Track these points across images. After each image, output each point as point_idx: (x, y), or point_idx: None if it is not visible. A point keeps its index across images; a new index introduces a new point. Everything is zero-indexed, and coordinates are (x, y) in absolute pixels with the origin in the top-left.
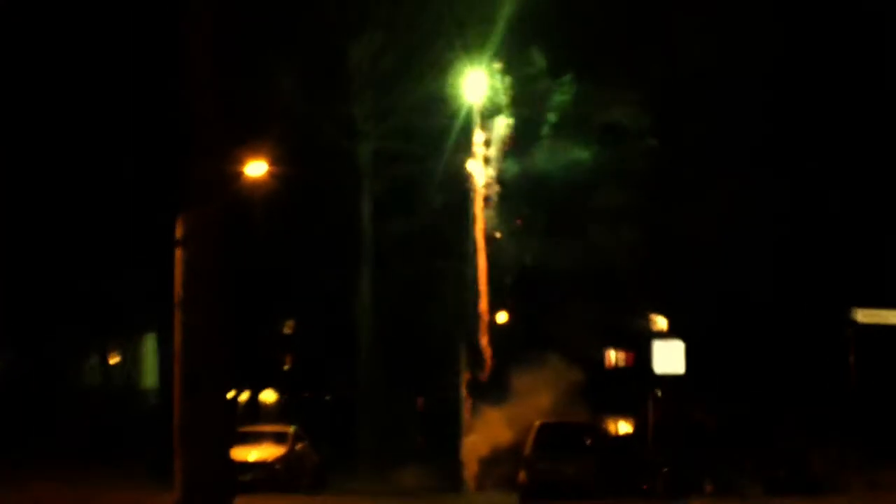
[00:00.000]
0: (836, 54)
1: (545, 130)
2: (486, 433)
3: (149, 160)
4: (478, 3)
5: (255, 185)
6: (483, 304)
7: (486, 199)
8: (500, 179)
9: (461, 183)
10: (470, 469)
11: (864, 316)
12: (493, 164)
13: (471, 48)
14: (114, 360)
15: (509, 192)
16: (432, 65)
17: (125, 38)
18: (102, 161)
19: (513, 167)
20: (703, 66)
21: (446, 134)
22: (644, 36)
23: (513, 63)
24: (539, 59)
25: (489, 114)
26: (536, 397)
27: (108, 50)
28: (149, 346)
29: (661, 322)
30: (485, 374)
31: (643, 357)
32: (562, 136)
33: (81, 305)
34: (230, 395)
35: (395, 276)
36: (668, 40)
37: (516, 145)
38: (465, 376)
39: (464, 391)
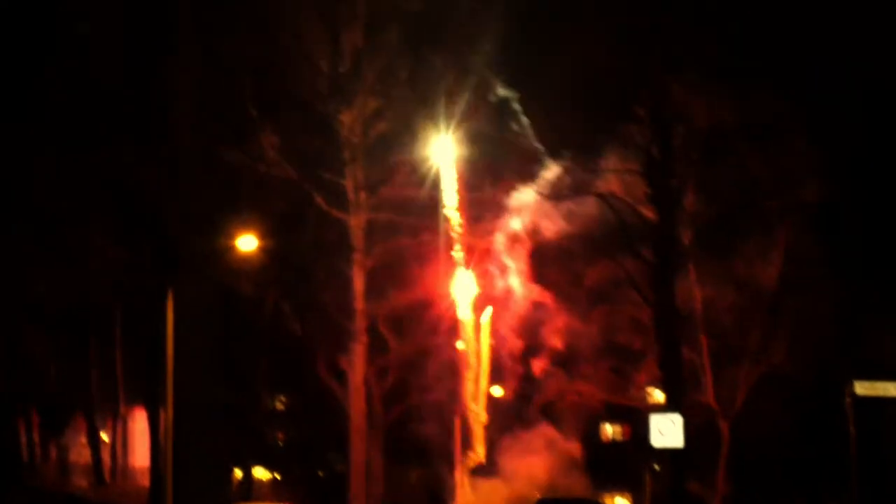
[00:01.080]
0: None
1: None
2: None
3: (136, 234)
4: (467, 72)
5: (246, 258)
6: (479, 379)
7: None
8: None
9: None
10: None
11: (862, 388)
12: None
13: (462, 118)
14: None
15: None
16: (424, 134)
17: (113, 107)
18: (90, 234)
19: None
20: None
21: (439, 204)
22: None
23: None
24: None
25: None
26: (532, 471)
27: (95, 120)
28: (138, 424)
29: (658, 395)
30: (481, 453)
31: (640, 430)
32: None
33: (70, 381)
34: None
35: (388, 350)
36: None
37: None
38: (470, 455)
39: (458, 466)
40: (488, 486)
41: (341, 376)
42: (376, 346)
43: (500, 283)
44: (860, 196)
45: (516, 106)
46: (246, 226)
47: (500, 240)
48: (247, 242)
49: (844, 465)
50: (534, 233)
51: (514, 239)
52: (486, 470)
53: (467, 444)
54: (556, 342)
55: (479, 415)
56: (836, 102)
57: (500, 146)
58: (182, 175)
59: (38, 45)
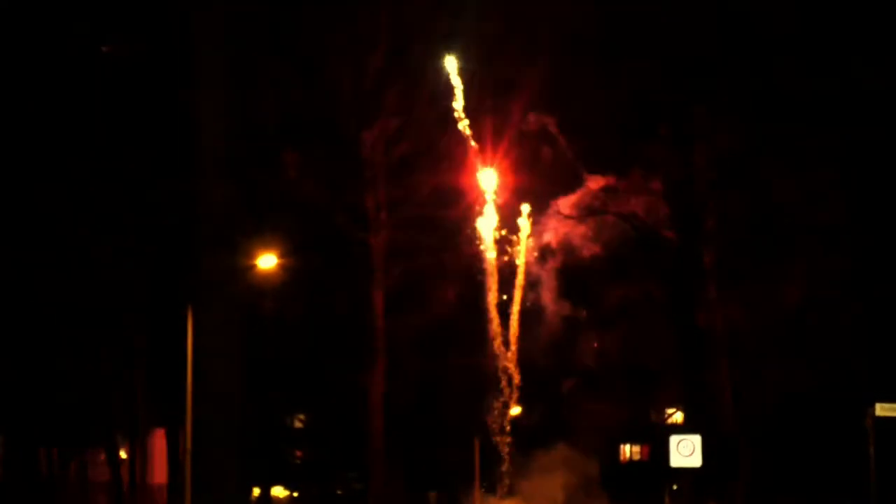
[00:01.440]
0: None
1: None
2: None
3: (157, 255)
4: (489, 92)
5: (266, 277)
6: (500, 399)
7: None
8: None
9: (475, 275)
10: None
11: (882, 409)
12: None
13: (484, 140)
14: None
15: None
16: (446, 155)
17: (136, 124)
18: (111, 255)
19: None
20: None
21: (461, 224)
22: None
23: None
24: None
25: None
26: (551, 491)
27: (115, 138)
28: (157, 441)
29: (677, 416)
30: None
31: (659, 450)
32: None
33: (88, 399)
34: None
35: (407, 369)
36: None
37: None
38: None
39: (477, 488)
40: None
41: (361, 395)
42: (396, 365)
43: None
44: (882, 216)
45: (551, 129)
46: (267, 244)
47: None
48: (267, 261)
49: (864, 485)
50: (563, 251)
51: (542, 255)
52: (505, 490)
53: (495, 473)
54: (587, 360)
55: (502, 436)
56: (856, 122)
57: (532, 165)
58: (204, 193)
59: (62, 62)
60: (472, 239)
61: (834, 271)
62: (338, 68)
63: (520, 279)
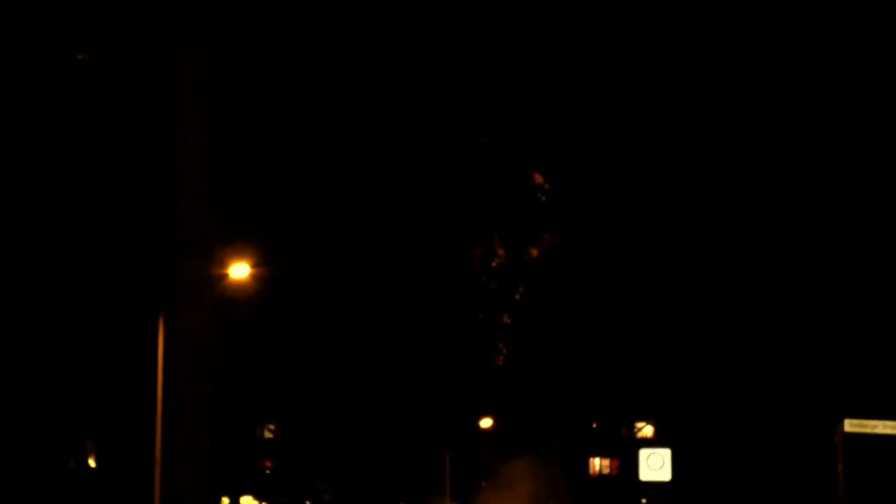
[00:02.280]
0: None
1: None
2: None
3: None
4: None
5: (238, 286)
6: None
7: None
8: None
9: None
10: None
11: (851, 426)
12: None
13: None
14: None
15: None
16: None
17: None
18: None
19: None
20: None
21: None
22: None
23: None
24: None
25: None
26: (517, 501)
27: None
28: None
29: (647, 429)
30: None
31: (629, 464)
32: None
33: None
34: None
35: (380, 381)
36: None
37: None
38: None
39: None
40: None
41: (331, 405)
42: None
43: None
44: None
45: None
46: (239, 253)
47: None
48: (239, 270)
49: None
50: None
51: None
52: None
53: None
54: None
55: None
56: None
57: None
58: (179, 199)
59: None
60: None
61: None
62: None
63: None
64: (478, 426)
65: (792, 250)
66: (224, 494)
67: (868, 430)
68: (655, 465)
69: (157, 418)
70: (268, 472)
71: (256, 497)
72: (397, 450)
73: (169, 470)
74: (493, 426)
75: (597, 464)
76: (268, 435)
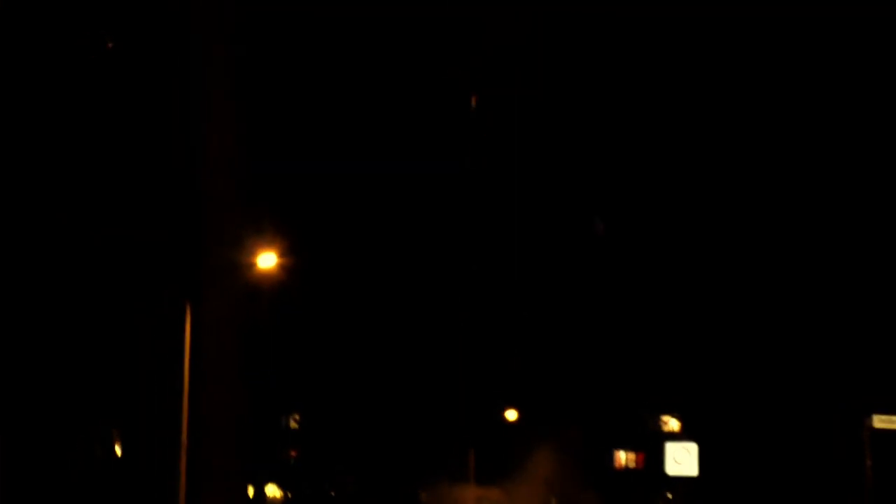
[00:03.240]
0: None
1: None
2: None
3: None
4: None
5: (265, 276)
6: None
7: None
8: None
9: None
10: None
11: (880, 422)
12: None
13: None
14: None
15: None
16: None
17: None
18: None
19: None
20: None
21: None
22: None
23: None
24: None
25: None
26: (542, 498)
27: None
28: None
29: (673, 423)
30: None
31: (654, 458)
32: None
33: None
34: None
35: (403, 371)
36: None
37: None
38: None
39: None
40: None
41: (356, 395)
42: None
43: None
44: None
45: None
46: (267, 242)
47: None
48: (267, 259)
49: (861, 497)
50: None
51: None
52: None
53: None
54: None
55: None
56: None
57: None
58: (207, 189)
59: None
60: None
61: None
62: None
63: None
64: (503, 418)
65: (821, 245)
66: (249, 483)
67: None
68: (682, 460)
69: (183, 406)
70: (293, 461)
71: (281, 486)
72: (419, 440)
73: (195, 457)
74: (518, 419)
75: (622, 457)
76: (293, 425)
